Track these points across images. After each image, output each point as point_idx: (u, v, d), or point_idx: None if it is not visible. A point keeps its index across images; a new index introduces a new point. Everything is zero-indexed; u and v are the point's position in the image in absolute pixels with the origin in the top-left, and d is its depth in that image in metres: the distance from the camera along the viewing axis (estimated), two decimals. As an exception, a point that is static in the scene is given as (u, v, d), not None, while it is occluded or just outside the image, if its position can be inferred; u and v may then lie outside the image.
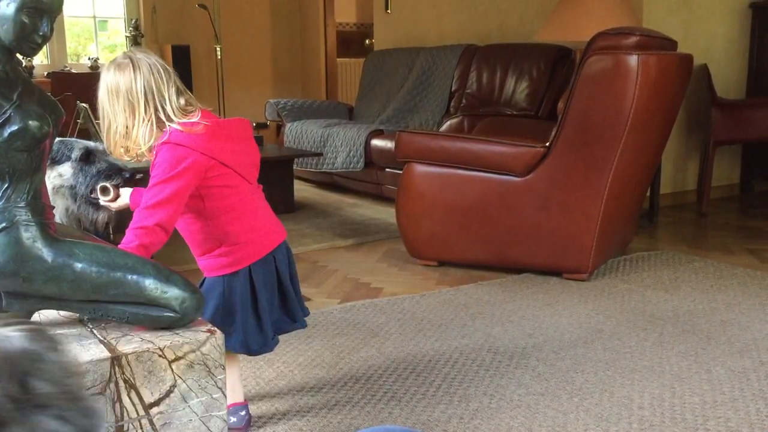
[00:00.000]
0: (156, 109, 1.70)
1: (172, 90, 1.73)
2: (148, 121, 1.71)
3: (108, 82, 1.73)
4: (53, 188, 1.96)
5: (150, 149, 1.73)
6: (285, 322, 1.93)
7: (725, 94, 4.78)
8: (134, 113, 1.70)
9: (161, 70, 1.73)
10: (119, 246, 1.62)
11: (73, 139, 2.13)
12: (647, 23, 4.38)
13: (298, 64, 8.29)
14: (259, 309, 1.84)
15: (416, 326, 2.72)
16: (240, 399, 1.95)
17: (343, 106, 6.37)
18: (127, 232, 1.66)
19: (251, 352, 1.88)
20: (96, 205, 1.98)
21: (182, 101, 1.73)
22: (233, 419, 1.92)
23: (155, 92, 1.71)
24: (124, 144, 1.73)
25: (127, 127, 1.71)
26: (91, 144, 2.10)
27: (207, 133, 1.71)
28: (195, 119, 1.73)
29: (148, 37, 7.56)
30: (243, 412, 1.95)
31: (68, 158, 2.02)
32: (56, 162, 2.00)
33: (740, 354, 2.43)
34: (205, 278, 1.88)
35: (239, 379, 1.96)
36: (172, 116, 1.71)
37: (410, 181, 3.42)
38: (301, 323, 1.96)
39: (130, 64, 1.72)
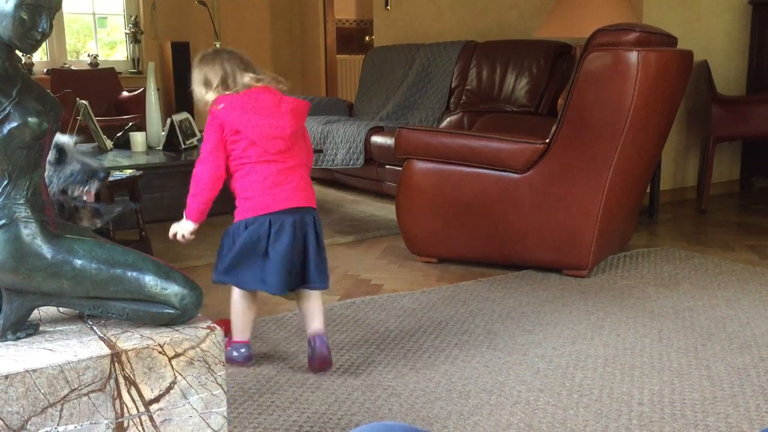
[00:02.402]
0: (219, 84, 2.23)
1: (237, 71, 2.24)
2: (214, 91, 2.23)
3: (195, 63, 2.30)
4: None
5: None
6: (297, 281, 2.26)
7: (725, 90, 4.78)
8: (206, 86, 2.25)
9: (229, 61, 2.28)
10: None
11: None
12: (647, 19, 4.38)
13: (297, 61, 8.29)
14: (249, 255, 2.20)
15: (416, 323, 2.72)
16: (245, 338, 2.30)
17: (343, 102, 6.37)
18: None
19: (240, 285, 2.25)
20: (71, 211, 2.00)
21: (246, 79, 2.23)
22: (234, 353, 2.27)
23: (226, 74, 2.25)
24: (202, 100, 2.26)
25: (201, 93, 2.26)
26: (64, 141, 2.11)
27: (232, 105, 2.17)
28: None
29: (148, 34, 7.55)
30: (243, 350, 2.29)
31: None
32: None
33: (740, 350, 2.44)
34: None
35: (251, 321, 2.32)
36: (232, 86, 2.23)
37: (410, 177, 3.42)
38: (315, 283, 2.28)
39: (208, 54, 2.30)
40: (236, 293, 2.29)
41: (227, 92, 2.20)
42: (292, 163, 2.21)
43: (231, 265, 2.22)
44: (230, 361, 2.29)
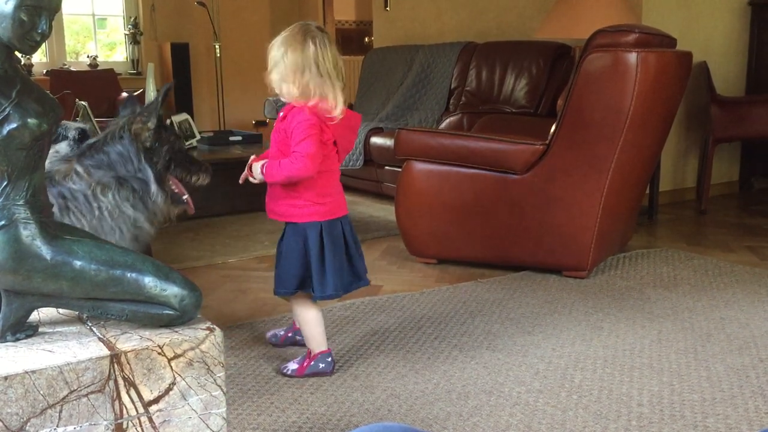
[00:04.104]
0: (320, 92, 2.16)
1: (337, 83, 2.18)
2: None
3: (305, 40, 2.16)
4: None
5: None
6: (352, 281, 2.30)
7: (724, 91, 4.78)
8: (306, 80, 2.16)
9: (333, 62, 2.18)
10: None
11: (65, 121, 2.28)
12: (646, 20, 4.38)
13: (297, 62, 8.27)
14: (324, 260, 2.21)
15: (415, 324, 2.72)
16: (327, 347, 2.31)
17: (343, 103, 6.35)
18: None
19: (315, 297, 2.26)
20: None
21: (340, 98, 2.18)
22: (321, 365, 2.27)
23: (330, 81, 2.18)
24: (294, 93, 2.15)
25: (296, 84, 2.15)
26: (82, 125, 2.26)
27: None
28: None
29: (147, 35, 7.56)
30: (330, 359, 2.30)
31: (65, 137, 2.17)
32: (54, 141, 2.12)
33: (739, 351, 2.44)
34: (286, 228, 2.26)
35: (323, 329, 2.31)
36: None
37: (409, 178, 3.42)
38: (364, 281, 2.35)
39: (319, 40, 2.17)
40: (307, 306, 2.29)
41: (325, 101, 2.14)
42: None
43: (334, 277, 2.23)
44: (317, 373, 2.28)
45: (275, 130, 2.22)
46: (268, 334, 2.56)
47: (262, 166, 2.19)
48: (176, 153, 2.10)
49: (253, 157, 2.28)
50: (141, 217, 2.00)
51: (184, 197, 2.15)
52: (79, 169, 1.95)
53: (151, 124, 2.02)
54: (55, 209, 1.85)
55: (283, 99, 2.20)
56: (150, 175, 2.00)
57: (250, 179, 2.26)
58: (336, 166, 2.25)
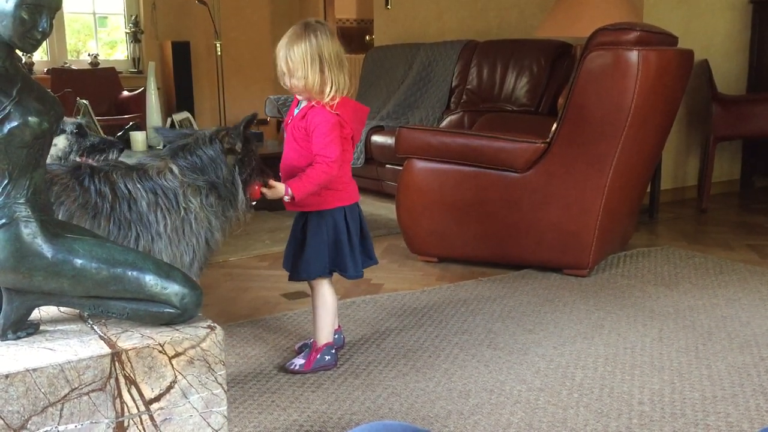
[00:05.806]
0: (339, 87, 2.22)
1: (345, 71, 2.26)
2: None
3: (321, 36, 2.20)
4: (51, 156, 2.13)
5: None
6: (364, 260, 2.38)
7: (726, 89, 4.78)
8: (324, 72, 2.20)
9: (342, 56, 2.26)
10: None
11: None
12: (648, 18, 4.38)
13: (298, 60, 8.26)
14: (351, 242, 2.31)
15: (416, 322, 2.72)
16: (331, 340, 2.34)
17: (344, 102, 6.34)
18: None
19: (349, 276, 2.33)
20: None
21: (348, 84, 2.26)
22: (327, 357, 2.31)
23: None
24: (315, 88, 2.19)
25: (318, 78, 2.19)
26: (79, 120, 2.30)
27: (350, 110, 2.25)
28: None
29: (148, 34, 7.55)
30: (334, 350, 2.34)
31: (62, 131, 2.20)
32: None
33: (740, 349, 2.44)
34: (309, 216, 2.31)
35: (333, 322, 2.36)
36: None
37: (410, 177, 3.42)
38: (374, 261, 2.44)
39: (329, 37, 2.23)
40: (329, 292, 2.34)
41: (341, 94, 2.20)
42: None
43: (360, 256, 2.35)
44: (323, 367, 2.31)
45: (294, 127, 2.24)
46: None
47: (287, 188, 2.18)
48: (257, 163, 2.14)
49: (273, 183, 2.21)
50: (218, 224, 2.03)
51: (253, 203, 2.18)
52: (174, 168, 1.97)
53: (239, 147, 2.05)
54: (143, 204, 1.89)
55: (300, 98, 2.23)
56: (240, 183, 2.04)
57: (266, 192, 2.19)
58: (351, 157, 2.34)
